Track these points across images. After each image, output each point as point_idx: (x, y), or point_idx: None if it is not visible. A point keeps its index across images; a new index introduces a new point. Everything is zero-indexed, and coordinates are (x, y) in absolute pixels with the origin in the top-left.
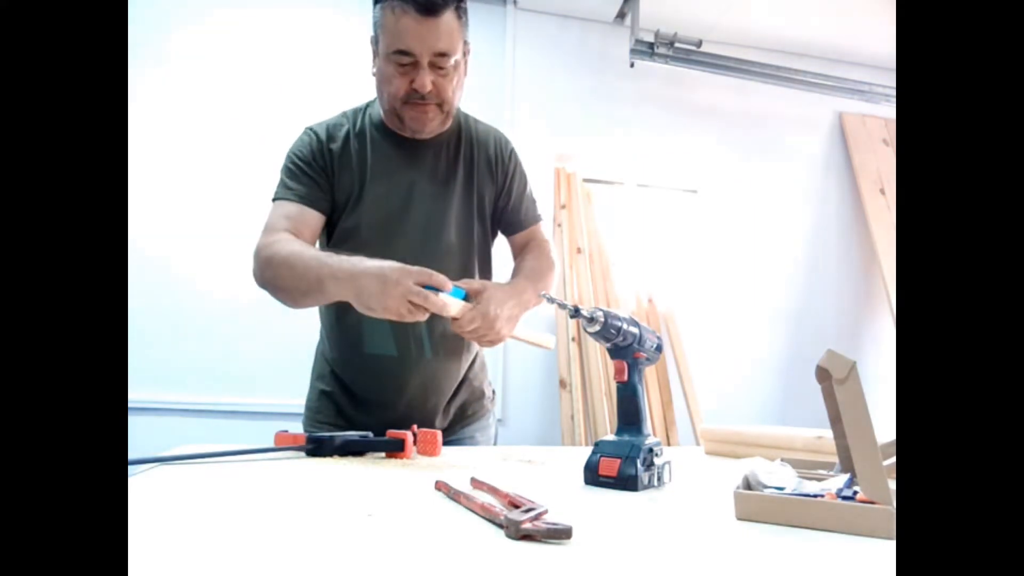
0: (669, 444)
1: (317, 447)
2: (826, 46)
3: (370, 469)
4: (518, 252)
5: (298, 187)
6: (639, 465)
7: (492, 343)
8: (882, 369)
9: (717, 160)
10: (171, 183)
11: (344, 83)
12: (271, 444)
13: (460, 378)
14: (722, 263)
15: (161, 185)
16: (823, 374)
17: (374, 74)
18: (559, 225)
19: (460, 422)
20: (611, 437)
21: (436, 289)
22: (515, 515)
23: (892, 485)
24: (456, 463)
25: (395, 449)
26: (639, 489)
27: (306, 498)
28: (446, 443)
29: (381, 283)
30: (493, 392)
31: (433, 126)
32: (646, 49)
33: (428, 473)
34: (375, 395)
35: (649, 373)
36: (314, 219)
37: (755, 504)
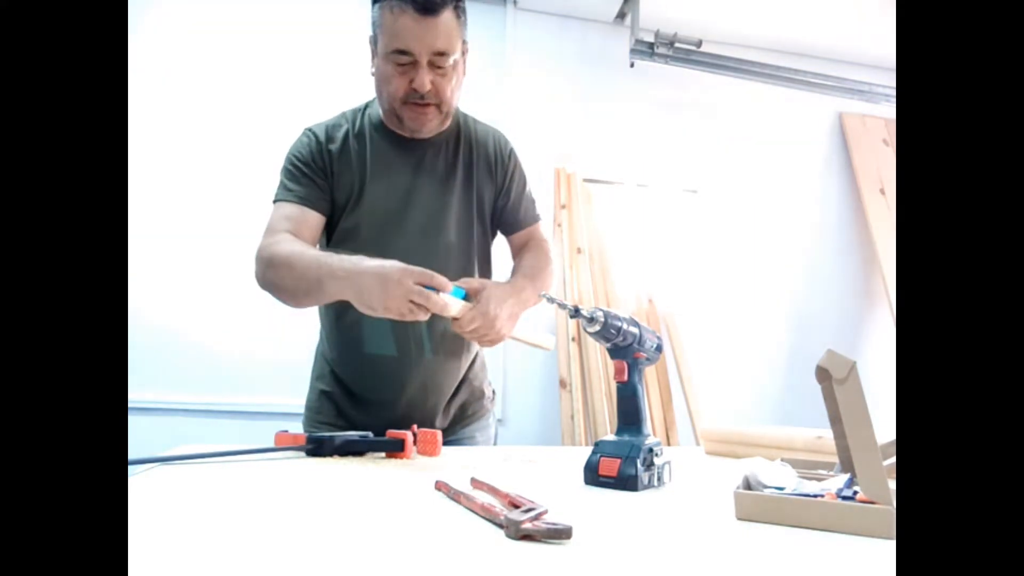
0: (669, 444)
1: (317, 447)
2: (826, 46)
3: (370, 469)
4: (517, 252)
5: (298, 188)
6: (639, 465)
7: (492, 342)
8: (882, 369)
9: (717, 160)
10: (171, 183)
11: (344, 83)
12: (271, 444)
13: (460, 378)
14: (722, 263)
15: (161, 185)
16: (823, 374)
17: (373, 74)
18: (559, 225)
19: (460, 422)
20: (611, 437)
21: (436, 290)
22: (515, 515)
23: (892, 485)
24: (456, 463)
25: (395, 449)
26: (639, 489)
27: (306, 498)
28: (446, 443)
29: (382, 282)
30: (493, 392)
31: (432, 126)
32: (646, 49)
33: (428, 473)
34: (375, 395)
35: (649, 373)
36: (314, 220)
37: (755, 504)
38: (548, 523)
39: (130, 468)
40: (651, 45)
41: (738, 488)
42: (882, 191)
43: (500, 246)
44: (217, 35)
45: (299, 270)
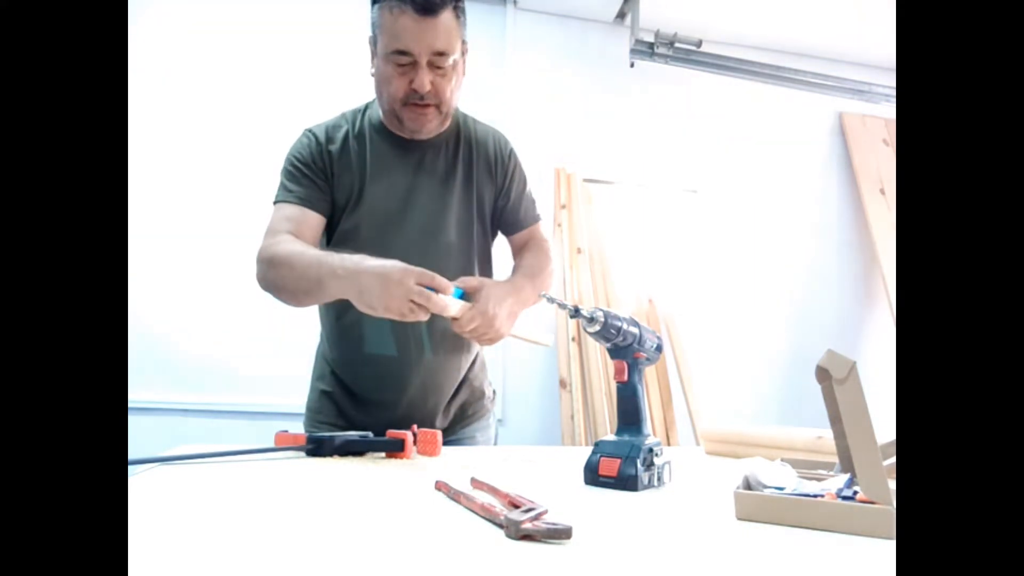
0: (669, 444)
1: (317, 447)
2: (826, 46)
3: (370, 469)
4: (517, 252)
5: (298, 189)
6: (639, 465)
7: (492, 341)
8: (882, 369)
9: (717, 160)
10: (171, 183)
11: (344, 83)
12: (271, 444)
13: (460, 378)
14: (722, 263)
15: (162, 185)
16: (823, 374)
17: (373, 75)
18: (559, 225)
19: (460, 422)
20: (611, 437)
21: (436, 291)
22: (515, 515)
23: (892, 485)
24: (456, 463)
25: (395, 449)
26: (639, 489)
27: (306, 498)
28: (446, 443)
29: (383, 282)
30: (493, 392)
31: (432, 127)
32: (646, 49)
33: (428, 473)
34: (375, 395)
35: (649, 373)
36: (315, 221)
37: (755, 504)
38: (548, 523)
39: (130, 468)
40: (651, 45)
41: (738, 488)
42: (882, 191)
43: (500, 246)
44: (217, 35)
45: (300, 270)
